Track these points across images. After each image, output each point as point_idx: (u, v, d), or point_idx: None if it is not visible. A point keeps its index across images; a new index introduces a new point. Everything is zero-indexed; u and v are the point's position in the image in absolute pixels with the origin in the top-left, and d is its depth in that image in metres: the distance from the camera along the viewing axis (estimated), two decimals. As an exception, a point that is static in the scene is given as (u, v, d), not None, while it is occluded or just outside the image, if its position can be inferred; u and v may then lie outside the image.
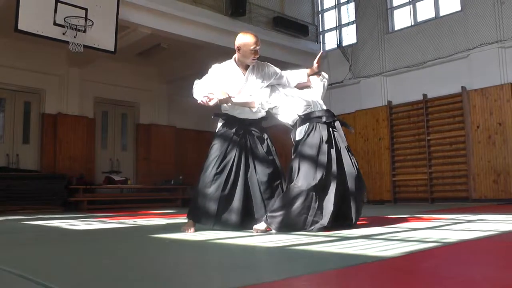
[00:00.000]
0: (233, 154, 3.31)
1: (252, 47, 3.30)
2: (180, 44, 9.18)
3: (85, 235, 3.52)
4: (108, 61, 9.74)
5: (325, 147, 3.16)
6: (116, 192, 9.96)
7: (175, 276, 1.65)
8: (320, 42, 11.54)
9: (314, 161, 3.12)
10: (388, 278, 1.49)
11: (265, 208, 3.23)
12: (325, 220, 2.99)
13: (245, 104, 3.38)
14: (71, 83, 9.95)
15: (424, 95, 9.13)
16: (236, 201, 3.24)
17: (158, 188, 10.42)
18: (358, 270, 1.62)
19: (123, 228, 4.24)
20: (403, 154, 9.51)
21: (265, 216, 3.11)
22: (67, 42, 6.91)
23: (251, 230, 3.08)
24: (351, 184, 3.17)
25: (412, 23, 9.73)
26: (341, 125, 3.39)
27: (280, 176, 3.39)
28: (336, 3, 11.40)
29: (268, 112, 3.51)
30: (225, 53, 11.17)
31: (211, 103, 3.22)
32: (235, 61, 3.42)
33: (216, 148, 3.34)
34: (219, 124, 3.48)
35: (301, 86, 3.59)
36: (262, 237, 2.80)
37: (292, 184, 3.11)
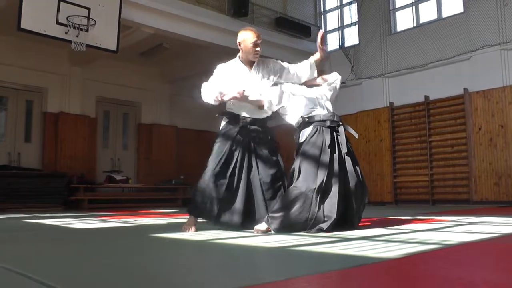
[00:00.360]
0: (236, 153, 3.30)
1: (252, 41, 3.30)
2: (182, 44, 9.19)
3: (86, 234, 3.52)
4: (110, 61, 9.75)
5: (327, 151, 3.15)
6: (117, 191, 9.97)
7: (175, 276, 1.65)
8: (322, 43, 11.53)
9: (315, 164, 3.11)
10: (388, 279, 1.49)
11: (267, 209, 3.22)
12: (325, 224, 2.98)
13: (257, 102, 3.35)
14: (73, 82, 9.97)
15: (426, 97, 9.12)
16: (238, 201, 3.23)
17: (159, 188, 10.43)
18: (358, 271, 1.62)
19: (124, 227, 4.24)
20: (405, 155, 9.50)
21: (266, 217, 3.11)
22: (70, 41, 6.92)
23: (252, 230, 3.08)
24: (353, 188, 3.16)
25: (415, 25, 9.72)
26: (345, 130, 3.35)
27: (283, 177, 3.39)
28: (339, 4, 11.40)
29: (275, 112, 3.48)
30: (227, 53, 11.14)
31: (226, 98, 3.21)
32: (239, 59, 3.42)
33: (219, 147, 3.33)
34: (223, 123, 3.46)
35: (310, 84, 3.52)
36: (262, 237, 2.80)
37: (292, 185, 3.11)
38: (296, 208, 3.01)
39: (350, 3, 10.85)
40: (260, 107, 3.37)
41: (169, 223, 4.51)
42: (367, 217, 4.30)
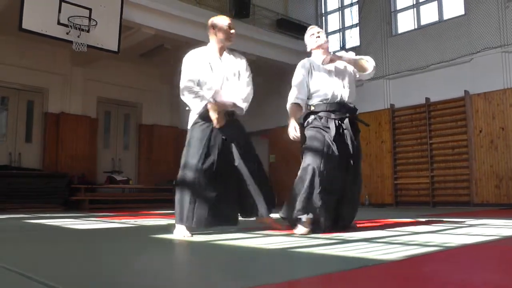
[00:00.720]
0: (216, 146, 3.11)
1: (227, 23, 3.30)
2: (183, 45, 9.18)
3: (86, 235, 3.52)
4: (111, 61, 9.76)
5: (329, 144, 3.11)
6: (118, 192, 9.97)
7: (176, 277, 1.65)
8: (323, 45, 11.53)
9: (318, 155, 3.09)
10: (388, 282, 1.48)
11: (259, 193, 3.17)
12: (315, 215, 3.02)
13: (232, 106, 3.23)
14: (74, 82, 9.98)
15: (427, 99, 9.11)
16: (230, 196, 3.14)
17: (159, 189, 10.42)
18: (359, 273, 1.62)
19: (125, 228, 4.24)
20: (405, 157, 9.49)
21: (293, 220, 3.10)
22: (71, 42, 6.94)
23: (250, 219, 3.13)
24: (349, 184, 3.19)
25: (416, 27, 9.72)
26: (355, 121, 3.29)
27: (261, 164, 3.32)
28: (340, 6, 11.41)
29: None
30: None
31: (218, 126, 3.08)
32: (212, 46, 3.31)
33: (197, 140, 3.11)
34: (195, 116, 3.18)
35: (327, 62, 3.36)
36: (263, 239, 2.80)
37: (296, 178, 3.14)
38: (298, 201, 3.05)
39: (351, 5, 10.86)
40: (239, 110, 3.27)
41: (169, 224, 4.50)
42: (368, 219, 4.29)
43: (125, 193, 10.11)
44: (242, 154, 3.19)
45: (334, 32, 11.47)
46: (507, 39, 8.17)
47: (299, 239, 2.75)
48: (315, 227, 3.06)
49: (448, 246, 2.31)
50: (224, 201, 3.10)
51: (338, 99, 3.26)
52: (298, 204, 3.04)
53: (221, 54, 3.32)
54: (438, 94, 8.97)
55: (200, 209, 3.00)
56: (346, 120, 3.23)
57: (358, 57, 3.41)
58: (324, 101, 3.27)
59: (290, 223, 3.18)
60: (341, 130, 3.20)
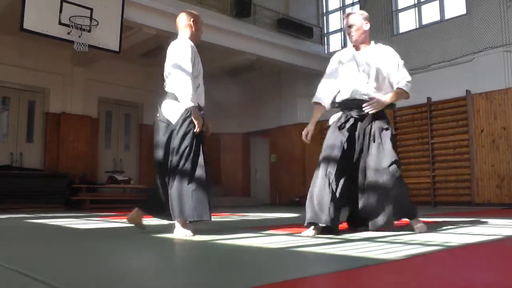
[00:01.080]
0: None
1: (202, 22, 3.32)
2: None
3: (88, 234, 3.52)
4: (112, 61, 9.77)
5: (343, 144, 3.04)
6: (119, 192, 9.97)
7: (177, 276, 1.64)
8: (324, 44, 11.54)
9: (331, 160, 3.03)
10: (390, 281, 1.48)
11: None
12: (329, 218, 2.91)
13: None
14: (75, 82, 9.99)
15: (428, 98, 9.10)
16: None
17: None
18: (360, 272, 1.62)
19: (126, 227, 4.23)
20: (407, 157, 9.47)
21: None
22: (72, 42, 6.94)
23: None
24: (361, 185, 3.06)
25: (417, 26, 9.71)
26: (378, 119, 3.12)
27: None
28: (341, 5, 11.41)
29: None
30: (228, 54, 11.12)
31: (199, 131, 3.04)
32: (190, 41, 3.23)
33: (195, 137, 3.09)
34: (183, 111, 3.04)
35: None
36: (264, 238, 2.80)
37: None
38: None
39: (352, 4, 10.86)
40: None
41: (170, 223, 4.50)
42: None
43: (126, 193, 10.12)
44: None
45: (335, 31, 11.46)
46: (509, 39, 8.15)
47: (300, 239, 2.75)
48: (327, 231, 2.95)
49: (449, 246, 2.30)
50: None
51: (358, 95, 3.15)
52: (309, 212, 2.98)
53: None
54: (440, 94, 8.95)
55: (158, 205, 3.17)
56: (368, 116, 3.10)
57: (394, 93, 3.19)
58: (345, 99, 3.19)
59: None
60: (358, 128, 3.10)
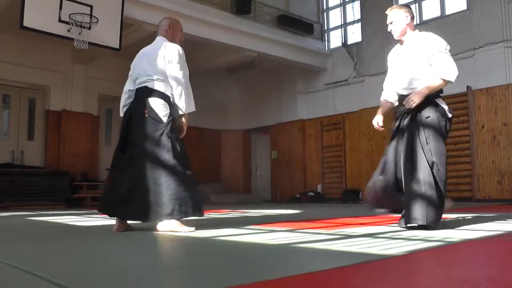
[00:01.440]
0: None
1: (182, 28, 3.52)
2: (184, 42, 9.14)
3: (89, 232, 3.53)
4: (112, 59, 9.76)
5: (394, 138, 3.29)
6: (120, 189, 9.97)
7: (177, 273, 1.65)
8: (325, 41, 11.52)
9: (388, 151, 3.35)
10: (391, 276, 1.48)
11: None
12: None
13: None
14: (76, 80, 9.99)
15: (429, 95, 9.08)
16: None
17: (161, 186, 10.42)
18: (361, 268, 1.62)
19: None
20: (407, 153, 9.47)
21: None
22: (72, 39, 6.93)
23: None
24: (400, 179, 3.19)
25: (417, 22, 9.67)
26: (421, 110, 3.21)
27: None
28: (342, 1, 11.38)
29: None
30: (229, 51, 11.10)
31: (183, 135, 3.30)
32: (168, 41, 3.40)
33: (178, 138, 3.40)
34: (168, 111, 3.30)
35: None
36: (265, 234, 2.80)
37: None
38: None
39: (353, 1, 10.82)
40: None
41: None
42: (370, 215, 4.29)
43: (127, 190, 10.11)
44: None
45: (335, 28, 11.44)
46: (509, 34, 8.13)
47: (301, 235, 2.75)
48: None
49: (450, 241, 2.31)
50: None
51: (400, 91, 3.28)
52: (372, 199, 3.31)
53: None
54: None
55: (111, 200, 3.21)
56: (411, 110, 3.16)
57: (434, 83, 3.28)
58: (398, 95, 3.34)
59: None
60: (405, 123, 3.21)
